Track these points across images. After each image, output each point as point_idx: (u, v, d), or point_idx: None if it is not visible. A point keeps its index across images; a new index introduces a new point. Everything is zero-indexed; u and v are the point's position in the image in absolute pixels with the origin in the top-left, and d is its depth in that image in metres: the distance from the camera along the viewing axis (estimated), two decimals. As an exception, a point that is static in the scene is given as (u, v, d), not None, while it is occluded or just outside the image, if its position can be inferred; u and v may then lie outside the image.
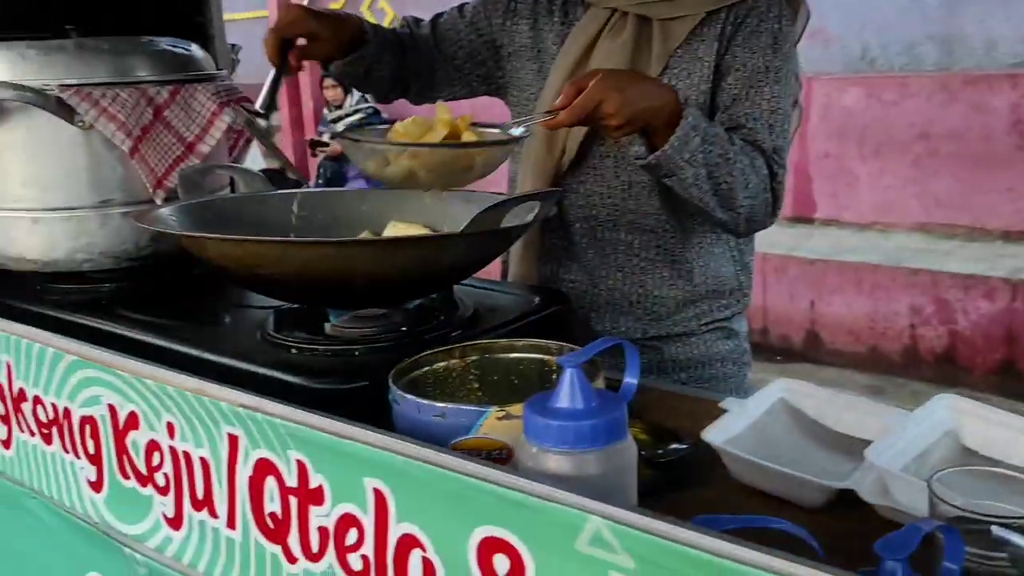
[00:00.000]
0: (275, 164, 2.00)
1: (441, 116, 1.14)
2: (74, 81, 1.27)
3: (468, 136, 1.17)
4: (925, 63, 5.42)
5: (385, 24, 7.36)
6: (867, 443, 0.90)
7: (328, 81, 7.01)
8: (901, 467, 0.86)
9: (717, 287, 1.44)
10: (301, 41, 1.38)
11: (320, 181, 7.13)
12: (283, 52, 1.35)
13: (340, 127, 6.87)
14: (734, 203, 1.26)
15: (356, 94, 6.94)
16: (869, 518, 0.85)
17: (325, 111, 7.39)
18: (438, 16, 1.55)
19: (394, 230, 1.15)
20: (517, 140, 1.19)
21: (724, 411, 1.03)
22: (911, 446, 0.90)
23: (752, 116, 1.31)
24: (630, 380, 0.72)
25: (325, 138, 7.13)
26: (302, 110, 7.97)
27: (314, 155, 7.20)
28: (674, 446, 1.02)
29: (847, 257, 4.79)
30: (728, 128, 1.29)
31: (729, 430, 0.99)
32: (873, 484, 0.87)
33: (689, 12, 1.33)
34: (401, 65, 1.50)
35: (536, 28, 1.46)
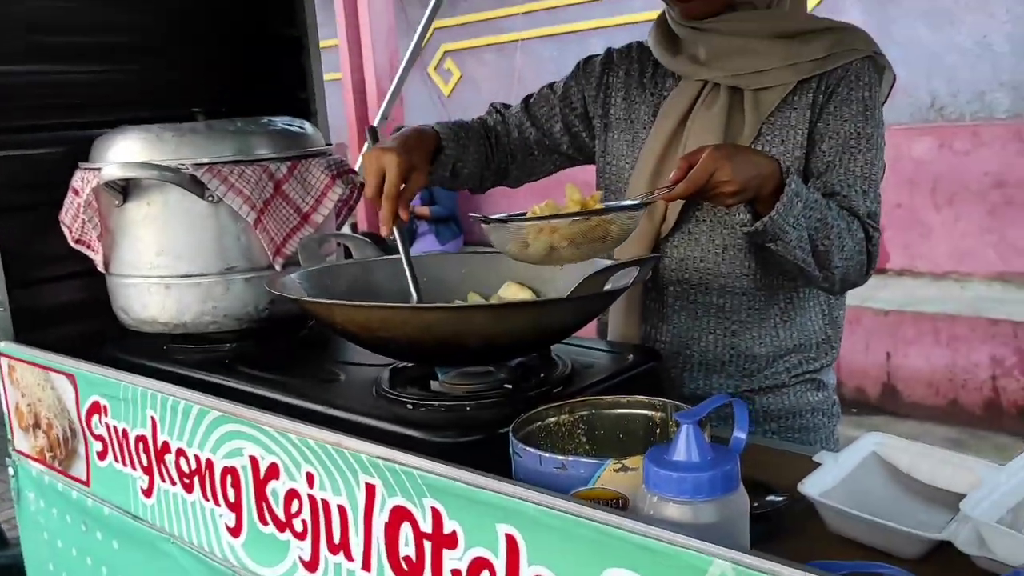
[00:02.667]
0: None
1: (572, 196, 1.22)
2: (205, 160, 1.40)
3: None
4: (996, 110, 5.38)
5: (451, 84, 7.52)
6: (960, 496, 0.93)
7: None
8: (997, 519, 0.89)
9: (805, 341, 1.48)
10: None
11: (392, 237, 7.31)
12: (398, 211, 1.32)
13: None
14: (830, 264, 1.31)
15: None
16: (965, 570, 0.88)
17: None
18: (528, 97, 1.64)
19: (508, 290, 1.23)
20: (644, 206, 1.25)
21: (817, 464, 1.07)
22: (1006, 498, 0.93)
23: (846, 183, 1.36)
24: (739, 435, 0.78)
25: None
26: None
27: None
28: (770, 498, 1.06)
29: (924, 308, 4.73)
30: (823, 194, 1.34)
31: (824, 482, 1.03)
32: (969, 535, 0.90)
33: (779, 83, 1.38)
34: (491, 153, 1.57)
35: (629, 100, 1.54)
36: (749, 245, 1.41)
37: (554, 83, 1.63)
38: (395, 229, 1.32)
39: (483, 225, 1.23)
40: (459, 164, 1.52)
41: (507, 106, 1.64)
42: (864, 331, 4.75)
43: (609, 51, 1.60)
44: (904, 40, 5.61)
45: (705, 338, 1.47)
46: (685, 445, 0.74)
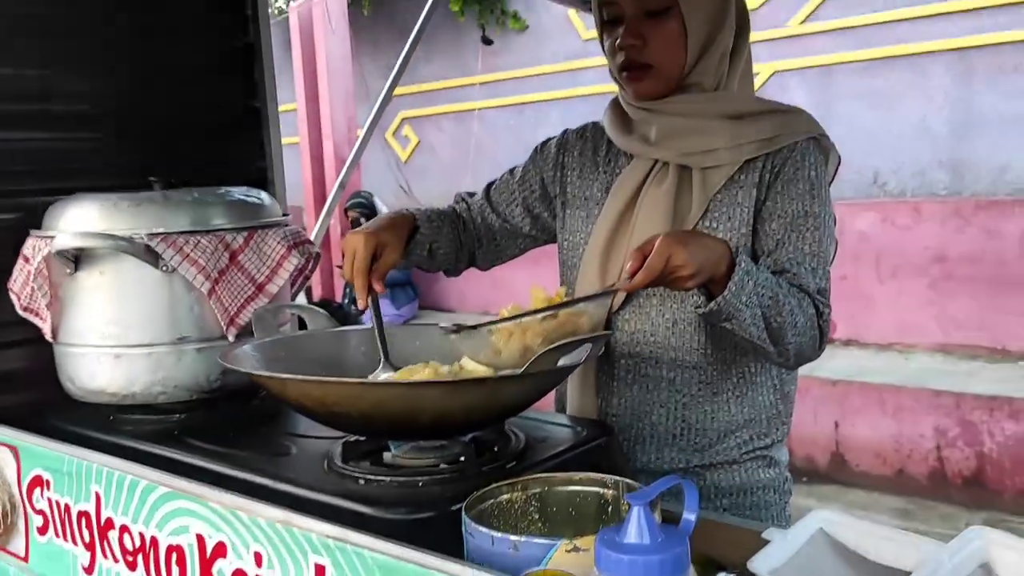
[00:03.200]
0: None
1: (537, 296, 1.25)
2: (161, 230, 1.40)
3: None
4: (936, 187, 5.59)
5: (409, 150, 7.64)
6: (905, 574, 0.95)
7: (352, 212, 7.33)
8: (940, 599, 0.91)
9: (756, 416, 1.50)
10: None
11: (346, 300, 7.31)
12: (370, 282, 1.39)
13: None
14: (784, 340, 1.34)
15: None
16: (912, 648, 0.90)
17: (352, 234, 7.66)
18: (490, 184, 1.70)
19: (468, 362, 1.25)
20: (610, 293, 1.28)
21: (766, 541, 1.09)
22: (949, 576, 0.95)
23: (796, 260, 1.40)
24: (689, 516, 0.79)
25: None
26: (329, 232, 8.22)
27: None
28: (720, 575, 1.07)
29: (870, 378, 4.83)
30: (773, 272, 1.38)
31: (773, 560, 1.04)
32: (915, 614, 0.92)
33: (726, 162, 1.43)
34: (462, 236, 1.63)
35: (584, 178, 1.59)
36: (699, 319, 1.44)
37: (514, 168, 1.69)
38: (370, 300, 1.39)
39: (452, 336, 1.26)
40: (435, 245, 1.57)
41: (472, 194, 1.71)
42: (813, 401, 4.82)
43: (565, 132, 1.66)
44: (847, 118, 5.83)
45: (656, 411, 1.48)
46: (636, 527, 0.75)
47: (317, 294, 8.01)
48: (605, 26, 1.48)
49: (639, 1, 1.41)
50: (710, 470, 1.49)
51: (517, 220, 1.66)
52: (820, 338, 1.40)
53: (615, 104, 1.57)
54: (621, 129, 1.54)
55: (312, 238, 2.07)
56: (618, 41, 1.44)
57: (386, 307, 6.99)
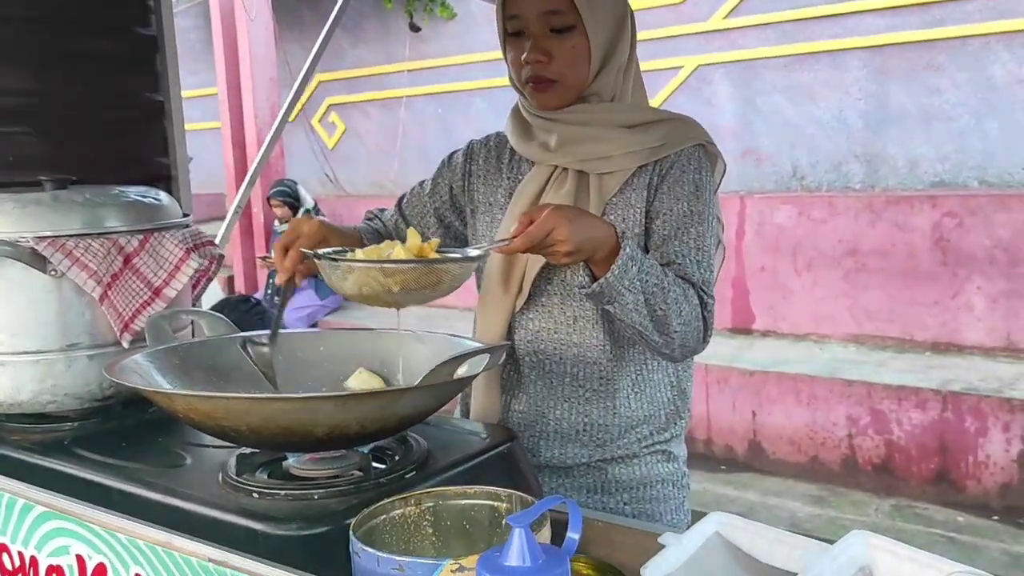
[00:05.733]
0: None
1: (412, 240, 1.25)
2: (49, 233, 1.35)
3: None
4: (852, 180, 5.75)
5: (335, 137, 7.52)
6: (794, 576, 0.98)
7: (275, 200, 7.20)
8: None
9: (654, 412, 1.55)
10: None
11: (269, 292, 7.18)
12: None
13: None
14: (669, 328, 1.38)
15: (304, 210, 7.18)
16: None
17: (276, 223, 7.52)
18: (401, 198, 1.71)
19: (359, 377, 1.23)
20: (479, 259, 1.30)
21: (663, 545, 1.10)
22: (831, 581, 0.98)
23: (681, 253, 1.45)
24: (573, 535, 0.80)
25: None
26: (252, 220, 8.06)
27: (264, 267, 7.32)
28: (616, 582, 1.08)
29: (785, 368, 4.95)
30: (661, 264, 1.42)
31: (667, 565, 1.06)
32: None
33: (621, 168, 1.48)
34: None
35: (488, 184, 1.62)
36: (598, 316, 1.48)
37: (424, 181, 1.71)
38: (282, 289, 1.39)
39: (316, 261, 1.25)
40: None
41: (382, 210, 1.73)
42: (731, 390, 4.93)
43: (471, 143, 1.70)
44: (769, 112, 5.95)
45: (560, 406, 1.52)
46: (518, 549, 0.75)
47: (240, 285, 7.86)
48: (509, 38, 1.52)
49: (544, 18, 1.45)
50: (611, 464, 1.53)
51: (431, 232, 1.68)
52: (704, 329, 1.44)
53: (516, 112, 1.61)
54: (522, 136, 1.57)
55: (224, 230, 2.01)
56: (524, 55, 1.47)
57: (310, 297, 6.90)
